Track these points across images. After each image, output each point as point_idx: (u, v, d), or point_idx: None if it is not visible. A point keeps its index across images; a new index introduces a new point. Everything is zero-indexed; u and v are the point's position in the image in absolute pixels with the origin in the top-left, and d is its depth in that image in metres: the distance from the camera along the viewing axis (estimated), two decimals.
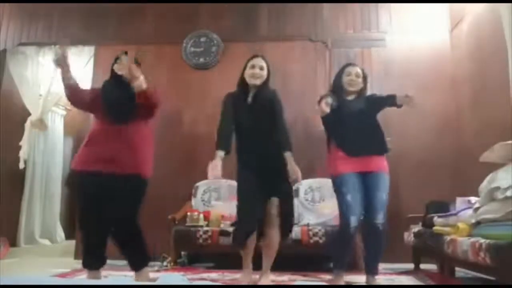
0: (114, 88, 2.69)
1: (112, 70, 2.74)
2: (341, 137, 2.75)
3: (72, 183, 2.66)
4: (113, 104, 2.64)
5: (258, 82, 2.73)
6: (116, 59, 2.73)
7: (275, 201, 2.63)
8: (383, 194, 2.62)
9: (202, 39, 4.50)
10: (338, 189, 2.67)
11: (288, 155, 2.60)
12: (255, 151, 2.67)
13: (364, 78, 2.87)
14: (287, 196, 2.71)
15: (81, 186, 2.63)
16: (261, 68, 2.75)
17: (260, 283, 2.60)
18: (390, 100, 2.75)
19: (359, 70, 2.85)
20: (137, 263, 2.66)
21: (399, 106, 2.72)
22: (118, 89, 2.65)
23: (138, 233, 2.64)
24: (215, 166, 2.50)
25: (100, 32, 4.63)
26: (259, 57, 2.79)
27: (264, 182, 2.59)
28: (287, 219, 2.69)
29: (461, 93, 4.05)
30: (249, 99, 2.75)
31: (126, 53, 2.75)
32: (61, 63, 2.64)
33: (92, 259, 2.61)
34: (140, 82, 2.49)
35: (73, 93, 2.75)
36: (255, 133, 2.70)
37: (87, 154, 2.62)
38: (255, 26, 4.51)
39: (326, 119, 2.77)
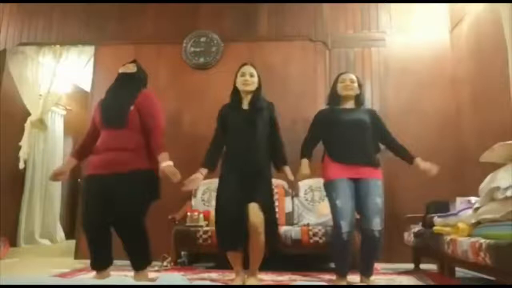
0: (115, 93, 2.79)
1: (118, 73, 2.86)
2: (332, 145, 2.76)
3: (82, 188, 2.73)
4: (109, 112, 2.72)
5: (249, 88, 2.76)
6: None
7: (255, 207, 2.54)
8: (376, 199, 2.58)
9: (202, 39, 4.50)
10: (329, 194, 2.67)
11: (287, 168, 2.75)
12: (243, 155, 2.66)
13: (359, 84, 2.87)
14: (269, 203, 2.66)
15: (86, 188, 2.69)
16: (251, 75, 2.78)
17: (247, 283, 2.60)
18: (403, 153, 2.80)
19: (353, 77, 2.86)
20: (138, 264, 2.66)
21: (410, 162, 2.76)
22: (118, 94, 2.77)
23: (142, 233, 2.63)
24: (196, 179, 2.63)
25: (100, 32, 4.63)
26: (248, 65, 2.83)
27: (246, 187, 2.58)
28: (271, 227, 2.62)
29: (461, 93, 4.05)
30: (244, 106, 2.77)
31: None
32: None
33: (99, 260, 2.62)
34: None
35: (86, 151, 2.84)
36: (247, 138, 2.68)
37: (92, 161, 2.71)
38: (255, 26, 4.51)
39: (318, 125, 2.83)
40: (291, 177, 2.71)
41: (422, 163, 2.67)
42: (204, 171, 2.68)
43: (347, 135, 2.71)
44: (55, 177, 2.77)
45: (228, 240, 2.59)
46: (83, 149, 2.80)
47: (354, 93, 2.83)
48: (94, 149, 2.73)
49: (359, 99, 2.87)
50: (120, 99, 2.73)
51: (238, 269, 2.64)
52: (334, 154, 2.72)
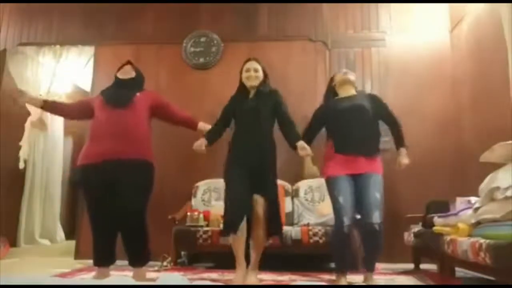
0: (116, 89, 2.85)
1: (116, 76, 2.91)
2: (333, 135, 2.84)
3: (76, 180, 2.69)
4: (114, 91, 2.80)
5: (255, 83, 2.83)
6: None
7: (260, 199, 2.66)
8: (375, 193, 2.63)
9: (202, 39, 4.50)
10: (331, 191, 2.73)
11: (300, 143, 2.63)
12: (248, 146, 2.72)
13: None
14: (273, 196, 2.73)
15: (85, 179, 2.65)
16: (256, 70, 2.84)
17: (248, 281, 2.61)
18: (398, 139, 2.91)
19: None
20: (137, 260, 2.66)
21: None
22: (121, 89, 2.84)
23: (143, 228, 2.62)
24: (200, 144, 2.82)
25: (100, 32, 4.63)
26: (252, 60, 2.88)
27: (252, 179, 2.65)
28: (273, 219, 2.70)
29: (461, 93, 4.05)
30: (251, 95, 2.84)
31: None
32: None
33: (102, 255, 2.62)
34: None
35: (60, 112, 3.04)
36: (252, 128, 2.75)
37: (88, 149, 2.68)
38: (255, 26, 4.51)
39: (317, 119, 2.92)
40: (308, 151, 2.61)
41: (401, 155, 2.87)
42: (205, 141, 2.83)
43: (346, 124, 2.77)
44: (20, 96, 3.01)
45: (235, 222, 2.59)
46: (57, 106, 2.99)
47: (353, 79, 2.94)
48: (90, 135, 2.71)
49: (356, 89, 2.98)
50: (124, 90, 2.79)
51: (240, 256, 2.64)
52: (335, 145, 2.78)
